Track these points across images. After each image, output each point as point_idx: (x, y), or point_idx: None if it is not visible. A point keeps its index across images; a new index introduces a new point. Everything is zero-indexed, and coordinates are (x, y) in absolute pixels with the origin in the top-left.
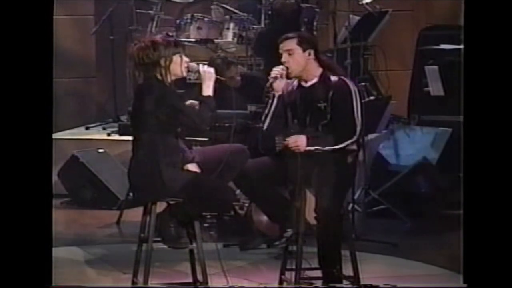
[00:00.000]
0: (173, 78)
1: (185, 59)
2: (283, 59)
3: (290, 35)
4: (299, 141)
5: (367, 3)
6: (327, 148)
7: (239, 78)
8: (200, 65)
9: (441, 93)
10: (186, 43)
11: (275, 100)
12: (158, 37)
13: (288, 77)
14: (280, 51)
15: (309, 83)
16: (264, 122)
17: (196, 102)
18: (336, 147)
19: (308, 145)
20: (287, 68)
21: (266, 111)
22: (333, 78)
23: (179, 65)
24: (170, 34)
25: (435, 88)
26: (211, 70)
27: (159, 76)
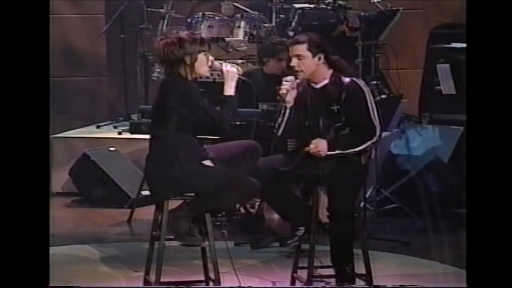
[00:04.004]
0: (195, 76)
1: (211, 58)
2: (292, 63)
3: (300, 39)
4: (320, 146)
5: (378, 2)
6: (350, 151)
7: (285, 65)
8: (223, 64)
9: (453, 91)
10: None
11: (288, 110)
12: (185, 34)
13: (296, 78)
14: (290, 54)
15: (320, 85)
16: (278, 128)
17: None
18: (357, 149)
19: (329, 149)
20: (296, 71)
21: (279, 120)
22: (345, 79)
23: (204, 64)
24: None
25: (447, 86)
26: (234, 69)
27: (182, 73)
